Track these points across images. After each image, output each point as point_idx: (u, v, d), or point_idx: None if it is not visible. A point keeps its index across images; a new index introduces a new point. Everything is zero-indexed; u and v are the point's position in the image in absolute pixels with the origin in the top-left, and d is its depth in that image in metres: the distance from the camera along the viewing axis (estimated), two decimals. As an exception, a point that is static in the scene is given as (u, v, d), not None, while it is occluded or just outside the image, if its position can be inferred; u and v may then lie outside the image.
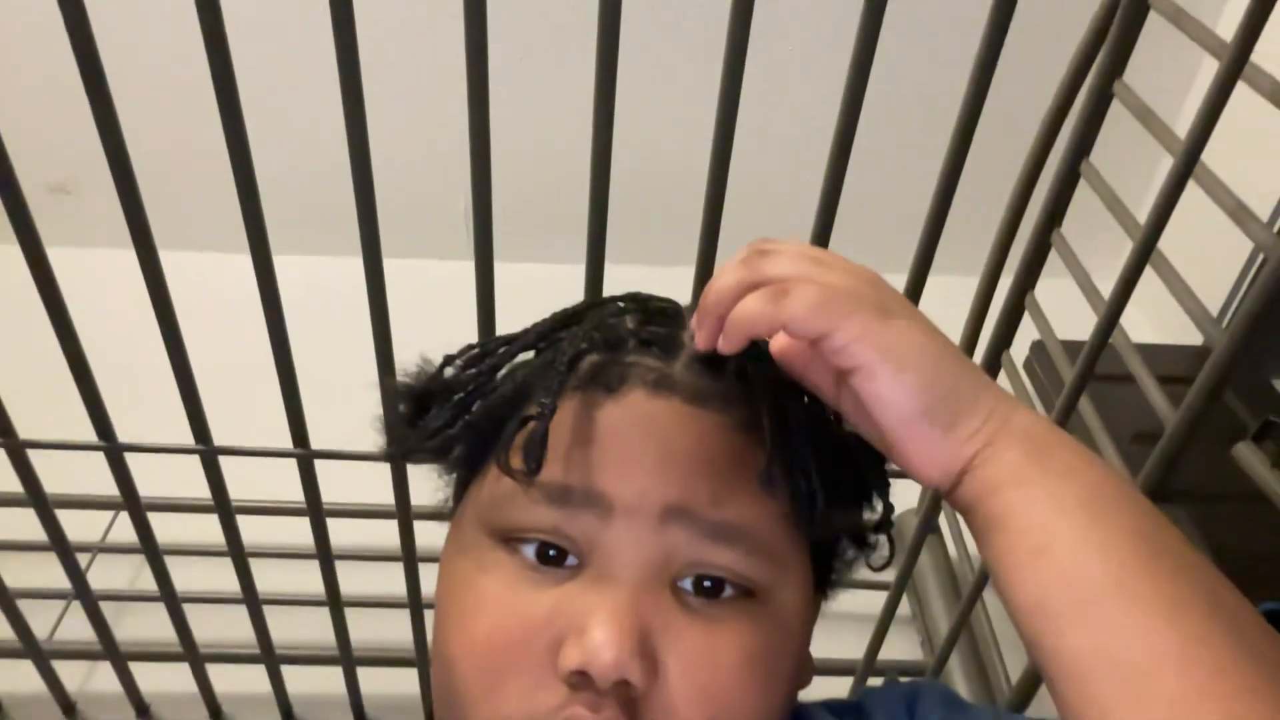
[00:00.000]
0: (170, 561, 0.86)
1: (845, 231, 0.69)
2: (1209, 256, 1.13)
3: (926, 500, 1.14)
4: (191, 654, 0.94)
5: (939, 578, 1.23)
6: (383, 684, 1.03)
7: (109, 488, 0.78)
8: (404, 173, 1.56)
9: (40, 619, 0.97)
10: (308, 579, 0.92)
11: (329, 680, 1.00)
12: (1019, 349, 0.99)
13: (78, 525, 0.90)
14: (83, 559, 0.88)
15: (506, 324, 0.55)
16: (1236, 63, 0.67)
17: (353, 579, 0.94)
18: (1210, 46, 0.69)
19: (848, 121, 0.61)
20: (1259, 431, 0.71)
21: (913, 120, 1.39)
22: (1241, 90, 0.67)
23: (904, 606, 1.21)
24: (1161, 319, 1.54)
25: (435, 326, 0.57)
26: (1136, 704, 0.31)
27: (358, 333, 0.73)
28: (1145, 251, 0.75)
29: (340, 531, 0.90)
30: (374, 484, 0.86)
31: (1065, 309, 0.91)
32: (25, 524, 0.85)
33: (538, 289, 0.65)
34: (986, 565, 0.37)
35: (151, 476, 0.85)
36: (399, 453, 0.46)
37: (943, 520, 1.25)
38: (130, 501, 0.79)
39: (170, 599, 0.88)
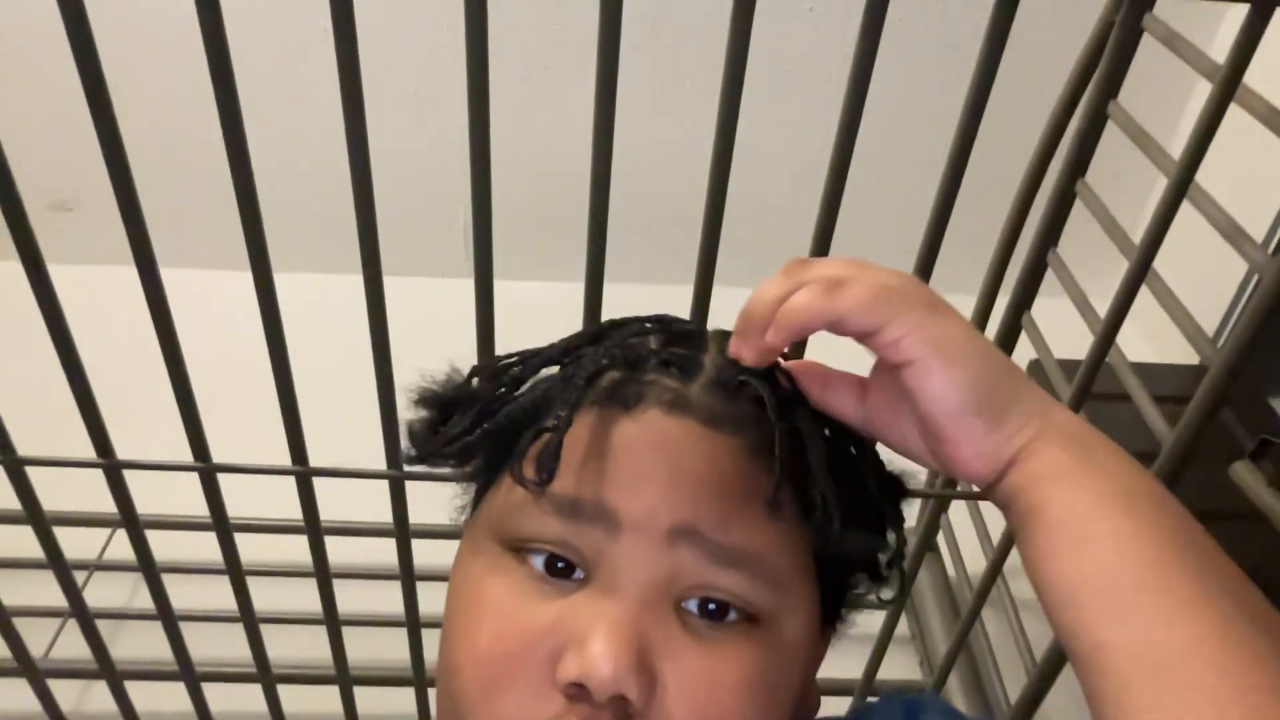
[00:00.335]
0: (167, 579, 0.85)
1: (843, 250, 0.68)
2: (1205, 275, 1.14)
3: (924, 519, 1.14)
4: (188, 673, 0.93)
5: (938, 597, 1.23)
6: (380, 704, 1.03)
7: (107, 505, 0.78)
8: (404, 191, 1.57)
9: (36, 637, 0.97)
10: (305, 597, 0.92)
11: (326, 699, 1.00)
12: (1016, 368, 0.99)
13: (75, 542, 0.89)
14: (79, 576, 0.87)
15: (506, 342, 0.56)
16: (1229, 85, 0.67)
17: (350, 598, 0.94)
18: (1203, 69, 0.70)
19: (845, 140, 0.61)
20: (1256, 450, 0.71)
21: (909, 140, 1.40)
22: (1234, 111, 0.68)
23: (902, 626, 1.21)
24: (1158, 338, 1.55)
25: (435, 344, 0.57)
26: (1168, 692, 0.32)
27: (357, 350, 0.73)
28: (1141, 271, 0.75)
29: (338, 550, 0.90)
30: (372, 502, 0.86)
31: (1062, 328, 0.91)
32: (21, 541, 0.85)
33: (537, 307, 0.66)
34: (1024, 556, 0.38)
35: (149, 494, 0.85)
36: (419, 457, 0.47)
37: (941, 539, 1.25)
38: (128, 519, 0.79)
39: (167, 617, 0.87)
